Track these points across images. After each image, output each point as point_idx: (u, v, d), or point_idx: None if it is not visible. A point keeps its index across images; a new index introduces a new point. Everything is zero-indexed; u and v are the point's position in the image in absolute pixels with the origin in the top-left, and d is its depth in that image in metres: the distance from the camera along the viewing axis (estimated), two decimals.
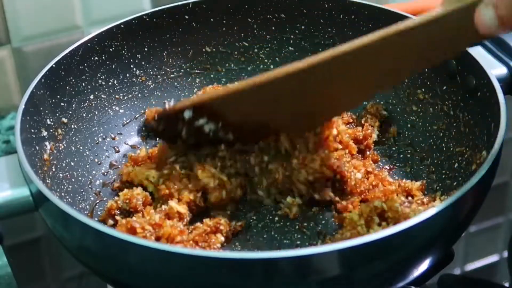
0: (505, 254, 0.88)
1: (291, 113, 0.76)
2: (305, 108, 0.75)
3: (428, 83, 0.87)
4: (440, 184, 0.79)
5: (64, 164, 0.81)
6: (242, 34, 0.94)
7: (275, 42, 0.95)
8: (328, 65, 0.70)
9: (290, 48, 0.95)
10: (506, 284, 0.83)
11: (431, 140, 0.85)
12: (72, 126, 0.84)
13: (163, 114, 0.81)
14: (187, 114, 0.77)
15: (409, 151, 0.86)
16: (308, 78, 0.72)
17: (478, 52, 0.84)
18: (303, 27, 0.94)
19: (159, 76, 0.93)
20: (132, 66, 0.91)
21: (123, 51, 0.90)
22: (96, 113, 0.88)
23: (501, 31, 0.62)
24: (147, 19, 0.90)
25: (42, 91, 0.80)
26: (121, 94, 0.90)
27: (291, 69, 0.71)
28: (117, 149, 0.88)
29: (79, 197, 0.80)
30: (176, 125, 0.79)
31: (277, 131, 0.78)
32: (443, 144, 0.83)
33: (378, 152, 0.86)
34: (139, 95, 0.92)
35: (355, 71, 0.71)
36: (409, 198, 0.76)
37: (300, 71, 0.71)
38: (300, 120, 0.77)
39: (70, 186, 0.80)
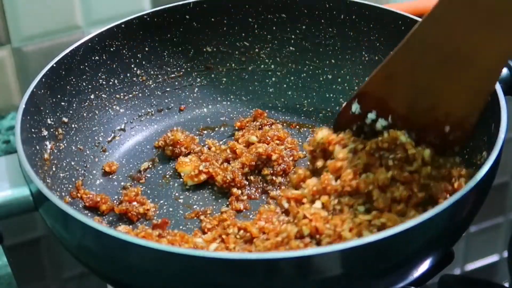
0: (505, 254, 0.88)
1: (456, 81, 0.71)
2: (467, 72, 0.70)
3: None
4: None
5: (64, 164, 0.81)
6: (243, 34, 0.94)
7: (275, 42, 0.95)
8: None
9: (291, 48, 0.95)
10: (506, 284, 0.83)
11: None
12: (73, 126, 0.84)
13: (338, 118, 0.80)
14: (355, 108, 0.77)
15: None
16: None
17: None
18: (304, 27, 0.93)
19: (159, 76, 0.93)
20: (132, 65, 0.91)
21: (124, 51, 0.90)
22: (97, 112, 0.88)
23: None
24: (148, 19, 0.90)
25: (42, 91, 0.80)
26: (121, 94, 0.90)
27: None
28: (117, 149, 0.88)
29: (79, 197, 0.81)
30: (351, 126, 0.78)
31: (450, 120, 0.73)
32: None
33: None
34: (140, 94, 0.92)
35: None
36: None
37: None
38: (469, 93, 0.72)
39: (70, 186, 0.80)
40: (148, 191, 0.83)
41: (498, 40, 0.67)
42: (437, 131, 0.74)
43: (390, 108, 0.76)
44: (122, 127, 0.90)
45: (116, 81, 0.90)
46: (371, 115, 0.77)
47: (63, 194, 0.78)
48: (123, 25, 0.89)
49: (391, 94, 0.75)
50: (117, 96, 0.90)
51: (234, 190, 0.81)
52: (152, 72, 0.92)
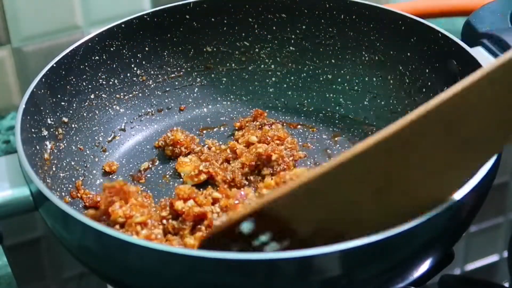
0: (505, 254, 0.88)
1: (375, 210, 0.61)
2: (396, 190, 0.60)
3: (429, 83, 0.87)
4: None
5: (64, 164, 0.81)
6: (243, 34, 0.94)
7: (276, 42, 0.95)
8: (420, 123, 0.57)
9: (291, 48, 0.95)
10: (506, 284, 0.83)
11: None
12: (73, 126, 0.84)
13: (214, 232, 0.64)
14: (246, 227, 0.60)
15: None
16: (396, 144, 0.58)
17: (478, 52, 0.84)
18: (304, 27, 0.93)
19: (159, 76, 0.93)
20: (133, 65, 0.91)
21: (124, 51, 0.90)
22: (97, 112, 0.88)
23: None
24: (148, 19, 0.90)
25: (42, 91, 0.80)
26: (121, 94, 0.90)
27: (375, 138, 0.58)
28: (117, 149, 0.88)
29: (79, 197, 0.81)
30: (229, 245, 0.61)
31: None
32: None
33: None
34: (140, 94, 0.92)
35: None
36: None
37: (389, 136, 0.58)
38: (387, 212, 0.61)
39: (70, 186, 0.80)
40: (148, 191, 0.83)
41: (447, 172, 0.61)
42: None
43: (292, 230, 0.60)
44: (122, 127, 0.90)
45: (116, 81, 0.90)
46: (263, 237, 0.61)
47: (63, 194, 0.78)
48: (123, 25, 0.89)
49: (301, 215, 0.60)
50: (117, 96, 0.90)
51: (234, 190, 0.81)
52: (152, 72, 0.92)
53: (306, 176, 0.58)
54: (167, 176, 0.85)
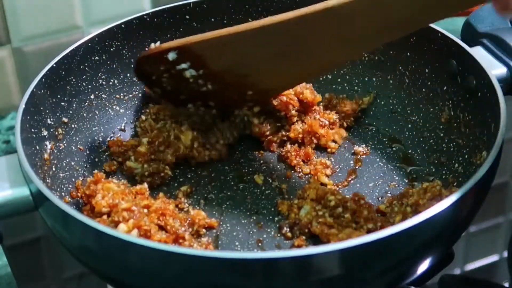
0: (505, 254, 0.88)
1: (272, 67, 0.77)
2: (286, 63, 0.77)
3: (429, 83, 0.87)
4: None
5: (64, 164, 0.81)
6: None
7: None
8: (316, 17, 0.71)
9: None
10: (506, 284, 0.83)
11: (431, 141, 0.85)
12: (73, 126, 0.84)
13: (148, 53, 0.81)
14: (171, 56, 0.78)
15: (409, 152, 0.85)
16: (295, 29, 0.73)
17: (478, 52, 0.84)
18: None
19: None
20: (133, 65, 0.91)
21: (124, 51, 0.90)
22: (97, 112, 0.88)
23: None
24: (148, 19, 0.90)
25: (42, 91, 0.80)
26: (121, 94, 0.90)
27: (278, 18, 0.73)
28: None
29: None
30: (159, 66, 0.80)
31: (254, 88, 0.80)
32: (443, 144, 0.83)
33: (378, 153, 0.86)
34: (140, 94, 0.92)
35: (339, 27, 0.72)
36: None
37: (289, 20, 0.72)
38: (279, 77, 0.79)
39: (70, 186, 0.80)
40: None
41: (338, 56, 0.76)
42: (239, 91, 0.81)
43: (206, 65, 0.79)
44: (122, 127, 0.90)
45: (116, 81, 0.90)
46: (184, 65, 0.79)
47: (63, 194, 0.78)
48: (123, 25, 0.89)
49: (215, 57, 0.78)
50: (117, 96, 0.90)
51: None
52: None
53: (219, 32, 0.77)
54: None
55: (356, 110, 0.89)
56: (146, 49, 0.87)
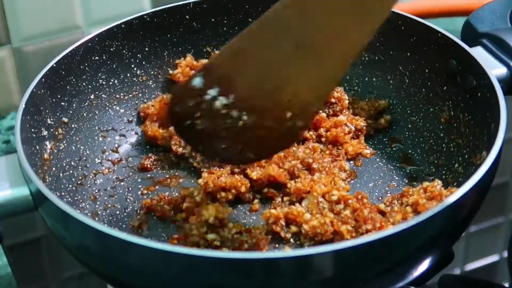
0: (505, 254, 0.88)
1: (298, 68, 0.71)
2: (309, 58, 0.70)
3: (429, 83, 0.87)
4: None
5: (64, 164, 0.81)
6: None
7: None
8: None
9: None
10: (506, 284, 0.83)
11: (431, 140, 0.85)
12: (73, 126, 0.84)
13: (176, 89, 0.78)
14: (198, 81, 0.72)
15: (409, 152, 0.86)
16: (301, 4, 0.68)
17: (478, 52, 0.84)
18: None
19: (160, 76, 0.93)
20: (132, 65, 0.91)
21: (124, 51, 0.90)
22: (97, 112, 0.88)
23: None
24: (148, 19, 0.90)
25: (42, 91, 0.80)
26: (121, 94, 0.90)
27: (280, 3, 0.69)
28: (117, 149, 0.88)
29: (79, 197, 0.80)
30: (189, 101, 0.73)
31: (292, 105, 0.72)
32: (443, 144, 0.83)
33: (378, 153, 0.86)
34: (140, 94, 0.92)
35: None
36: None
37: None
38: (310, 81, 0.72)
39: (70, 186, 0.80)
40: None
41: (353, 33, 0.68)
42: (277, 115, 0.73)
43: (234, 86, 0.72)
44: (122, 127, 0.90)
45: (116, 81, 0.90)
46: (212, 91, 0.73)
47: (63, 194, 0.78)
48: (123, 25, 0.89)
49: (238, 71, 0.72)
50: (117, 96, 0.90)
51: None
52: (152, 72, 0.92)
53: (236, 36, 0.71)
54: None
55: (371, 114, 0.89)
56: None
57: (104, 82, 0.88)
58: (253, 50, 0.71)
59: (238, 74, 0.72)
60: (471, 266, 0.87)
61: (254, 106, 0.73)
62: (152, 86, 0.92)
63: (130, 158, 0.87)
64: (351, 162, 0.85)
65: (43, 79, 0.80)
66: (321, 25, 0.69)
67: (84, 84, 0.86)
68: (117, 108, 0.90)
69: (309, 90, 0.72)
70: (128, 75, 0.91)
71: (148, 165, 0.85)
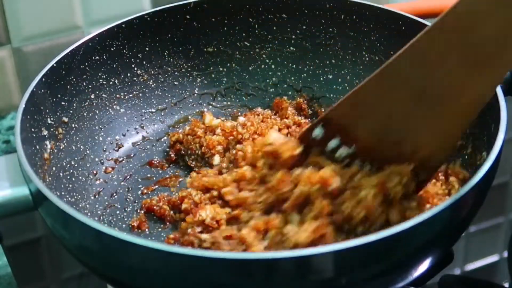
0: (505, 254, 0.88)
1: (416, 119, 0.69)
2: (426, 108, 0.68)
3: None
4: None
5: (64, 164, 0.81)
6: (243, 34, 0.94)
7: (276, 42, 0.95)
8: (440, 27, 0.64)
9: (291, 48, 0.95)
10: (506, 284, 0.83)
11: None
12: (73, 125, 0.84)
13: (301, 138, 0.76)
14: (318, 132, 0.73)
15: None
16: (416, 53, 0.66)
17: None
18: (304, 27, 0.93)
19: (160, 76, 0.93)
20: (133, 65, 0.91)
21: (124, 51, 0.90)
22: (97, 112, 0.88)
23: None
24: (148, 19, 0.90)
25: (42, 90, 0.80)
26: (122, 94, 0.90)
27: (397, 53, 0.67)
28: (117, 149, 0.88)
29: (79, 197, 0.80)
30: (307, 153, 0.74)
31: (413, 157, 0.70)
32: None
33: None
34: (140, 94, 0.92)
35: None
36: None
37: (408, 48, 0.66)
38: (429, 132, 0.69)
39: (70, 186, 0.80)
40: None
41: (476, 84, 0.65)
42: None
43: (356, 137, 0.73)
44: (123, 126, 0.90)
45: (116, 81, 0.90)
46: (334, 142, 0.73)
47: (63, 194, 0.78)
48: (123, 25, 0.89)
49: (359, 123, 0.72)
50: (118, 96, 0.90)
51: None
52: (152, 72, 0.92)
53: (355, 88, 0.71)
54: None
55: None
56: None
57: (104, 82, 0.88)
58: (372, 102, 0.70)
59: (359, 125, 0.72)
60: (471, 266, 0.87)
61: (377, 157, 0.72)
62: (153, 86, 0.92)
63: (130, 158, 0.88)
64: None
65: (43, 79, 0.80)
66: (441, 76, 0.66)
67: (84, 83, 0.86)
68: (118, 107, 0.90)
69: (431, 142, 0.70)
70: (129, 74, 0.91)
71: (154, 162, 0.87)
